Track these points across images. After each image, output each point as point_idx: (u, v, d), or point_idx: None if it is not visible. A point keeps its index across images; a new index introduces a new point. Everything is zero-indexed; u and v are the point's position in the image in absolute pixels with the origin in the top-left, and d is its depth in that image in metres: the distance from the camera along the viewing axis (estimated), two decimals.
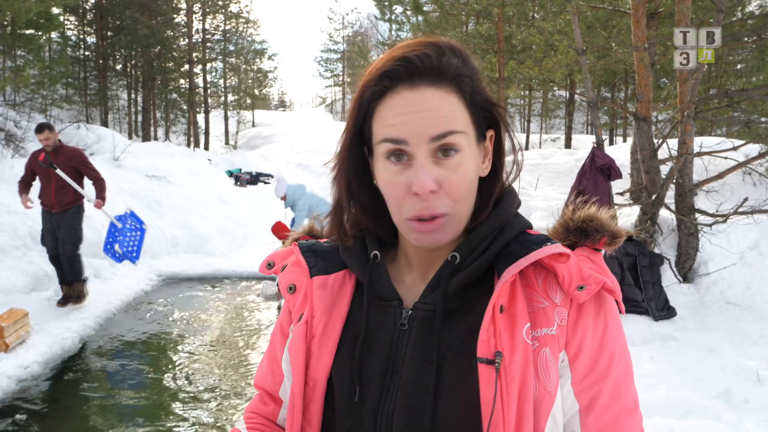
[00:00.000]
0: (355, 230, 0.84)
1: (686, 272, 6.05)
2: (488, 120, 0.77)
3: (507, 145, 0.81)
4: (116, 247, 6.60)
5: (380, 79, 0.73)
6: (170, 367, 5.29)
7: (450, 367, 0.72)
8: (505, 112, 0.79)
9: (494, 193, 0.78)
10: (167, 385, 4.85)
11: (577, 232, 0.78)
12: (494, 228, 0.77)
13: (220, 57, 27.99)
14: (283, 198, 7.52)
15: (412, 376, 0.73)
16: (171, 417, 4.23)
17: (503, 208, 0.78)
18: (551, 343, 0.70)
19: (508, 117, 0.79)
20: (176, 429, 4.05)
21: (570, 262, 0.72)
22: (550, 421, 0.69)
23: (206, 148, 23.66)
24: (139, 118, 23.81)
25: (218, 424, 4.14)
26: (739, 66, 12.99)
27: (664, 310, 5.53)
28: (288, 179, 8.31)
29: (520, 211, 0.82)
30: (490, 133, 0.78)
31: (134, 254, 6.68)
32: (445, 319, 0.74)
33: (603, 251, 0.78)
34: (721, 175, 6.53)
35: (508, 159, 0.81)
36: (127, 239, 6.68)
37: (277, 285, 7.57)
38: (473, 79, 0.75)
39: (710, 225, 6.07)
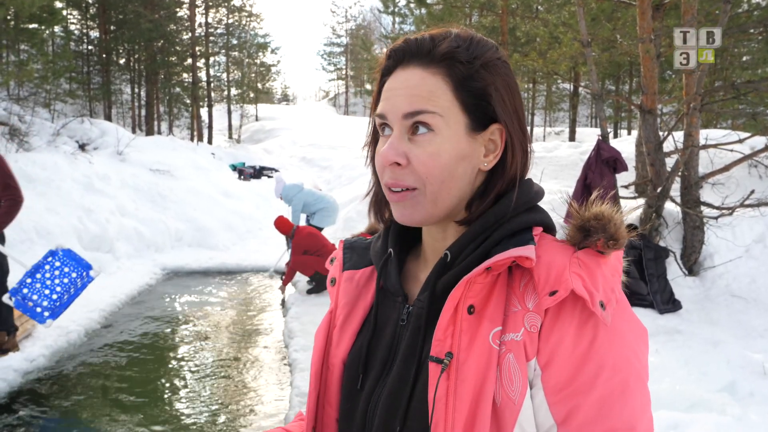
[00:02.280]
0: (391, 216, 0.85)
1: (691, 265, 6.02)
2: (490, 111, 0.75)
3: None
4: (25, 291, 4.52)
5: (386, 58, 0.79)
6: (175, 360, 5.31)
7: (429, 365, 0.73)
8: (505, 104, 0.75)
9: (495, 188, 0.76)
10: (173, 378, 4.87)
11: (582, 232, 0.74)
12: (488, 225, 0.74)
13: (223, 51, 27.90)
14: (281, 198, 7.87)
15: (401, 369, 0.76)
16: (177, 410, 4.25)
17: (503, 204, 0.75)
18: (515, 349, 0.67)
19: (508, 110, 0.75)
20: (182, 421, 4.06)
21: (551, 265, 0.69)
22: (518, 431, 0.67)
23: (210, 142, 23.62)
24: (143, 112, 23.80)
25: (224, 417, 4.16)
26: (745, 58, 12.88)
27: (669, 303, 5.52)
28: (287, 179, 8.54)
29: None
30: (497, 126, 0.75)
31: (51, 311, 4.54)
32: (434, 318, 0.74)
33: (605, 253, 0.72)
34: (726, 168, 6.49)
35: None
36: (54, 286, 4.64)
37: (281, 279, 7.60)
38: (472, 65, 0.73)
39: (716, 218, 6.04)
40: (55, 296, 4.60)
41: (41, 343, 5.05)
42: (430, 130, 0.73)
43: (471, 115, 0.74)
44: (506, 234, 0.74)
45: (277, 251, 9.04)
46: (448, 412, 0.68)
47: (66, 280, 4.71)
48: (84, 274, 4.77)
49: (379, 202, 0.86)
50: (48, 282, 4.67)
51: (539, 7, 14.73)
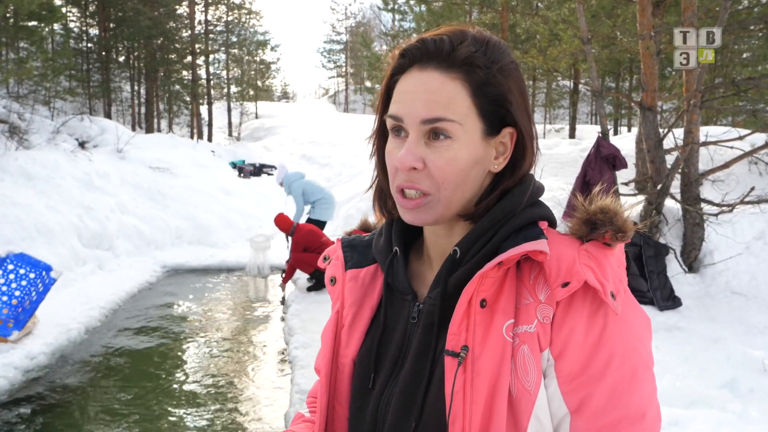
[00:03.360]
0: (394, 211, 0.85)
1: (691, 262, 6.03)
2: (504, 116, 0.75)
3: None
4: None
5: (399, 57, 0.77)
6: (175, 357, 5.31)
7: (443, 361, 0.73)
8: (520, 108, 0.76)
9: (501, 187, 0.77)
10: (173, 375, 4.88)
11: (588, 225, 0.75)
12: (495, 221, 0.75)
13: (223, 48, 27.86)
14: (281, 184, 7.90)
15: (413, 366, 0.76)
16: (177, 407, 4.25)
17: (508, 200, 0.76)
18: (530, 340, 0.69)
19: (523, 114, 0.76)
20: (182, 419, 4.07)
21: (561, 258, 0.70)
22: (533, 421, 0.68)
23: (209, 139, 23.58)
24: (143, 109, 23.77)
25: (224, 414, 4.16)
26: (745, 55, 12.87)
27: (669, 300, 5.52)
28: (289, 167, 8.57)
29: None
30: (509, 130, 0.76)
31: (15, 320, 4.40)
32: (446, 315, 0.74)
33: (612, 245, 0.74)
34: (726, 165, 6.48)
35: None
36: (12, 291, 4.43)
37: (282, 276, 7.61)
38: (490, 70, 0.74)
39: (716, 215, 6.04)
40: (15, 302, 4.35)
41: (41, 341, 5.06)
42: (448, 136, 0.73)
43: (487, 120, 0.75)
44: (514, 229, 0.75)
45: (277, 249, 9.03)
46: (466, 405, 0.69)
47: (24, 283, 4.47)
48: (44, 274, 4.57)
49: (382, 195, 0.86)
50: (4, 288, 4.40)
51: (539, 4, 14.70)
